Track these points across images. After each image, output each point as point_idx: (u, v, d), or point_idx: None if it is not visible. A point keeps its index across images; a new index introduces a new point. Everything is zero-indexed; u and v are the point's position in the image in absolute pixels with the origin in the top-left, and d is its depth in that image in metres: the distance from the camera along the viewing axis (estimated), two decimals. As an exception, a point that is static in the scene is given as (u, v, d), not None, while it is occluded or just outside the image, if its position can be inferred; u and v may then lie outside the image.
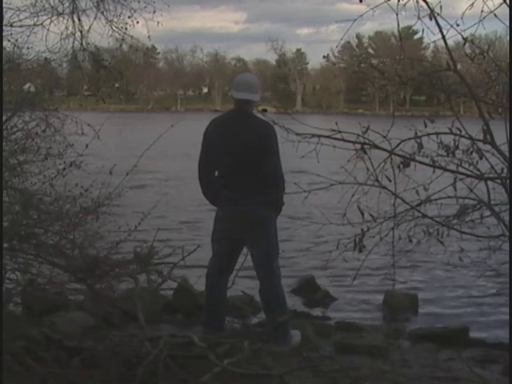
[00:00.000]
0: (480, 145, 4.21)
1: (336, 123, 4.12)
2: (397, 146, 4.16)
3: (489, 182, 4.27)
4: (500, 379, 4.18)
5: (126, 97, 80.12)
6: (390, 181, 4.14)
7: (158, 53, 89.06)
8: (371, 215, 4.23)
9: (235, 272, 4.96)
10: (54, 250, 4.57)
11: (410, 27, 4.67)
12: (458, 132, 4.21)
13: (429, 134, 4.20)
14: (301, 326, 4.89)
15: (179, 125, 5.49)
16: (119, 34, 8.21)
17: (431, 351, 4.85)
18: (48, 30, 7.55)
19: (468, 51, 4.27)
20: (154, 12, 8.11)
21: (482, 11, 4.03)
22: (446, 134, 4.21)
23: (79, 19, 7.87)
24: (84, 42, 8.02)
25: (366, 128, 4.14)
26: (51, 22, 7.57)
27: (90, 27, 7.94)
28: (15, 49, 6.64)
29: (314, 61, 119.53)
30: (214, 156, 4.63)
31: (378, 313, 6.14)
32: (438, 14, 4.01)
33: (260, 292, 4.76)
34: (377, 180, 4.11)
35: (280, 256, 4.78)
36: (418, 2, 4.00)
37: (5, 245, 4.21)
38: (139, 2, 8.03)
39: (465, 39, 4.16)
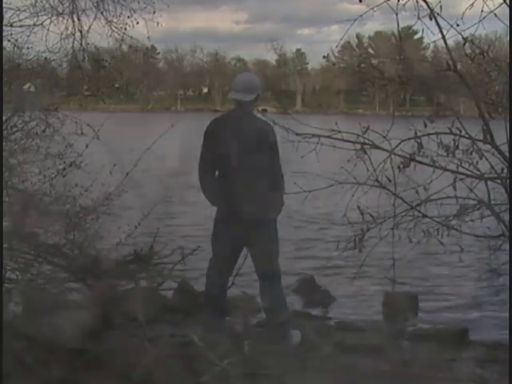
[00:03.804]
0: (480, 145, 4.21)
1: (336, 123, 4.12)
2: (397, 146, 4.17)
3: (489, 182, 4.27)
4: (500, 379, 4.18)
5: (126, 97, 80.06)
6: (389, 181, 4.15)
7: (158, 53, 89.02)
8: (371, 215, 4.23)
9: (235, 272, 4.95)
10: (53, 249, 4.57)
11: (409, 27, 4.67)
12: (458, 132, 4.21)
13: (429, 134, 4.21)
14: (301, 326, 4.89)
15: (179, 125, 5.49)
16: (119, 35, 8.21)
17: (431, 351, 4.85)
18: (48, 30, 7.53)
19: (468, 51, 4.28)
20: (154, 13, 8.10)
21: (482, 11, 4.05)
22: (446, 134, 4.22)
23: (79, 19, 7.85)
24: (84, 42, 8.00)
25: (365, 128, 4.15)
26: (51, 22, 7.55)
27: (89, 27, 7.94)
28: (15, 49, 6.65)
29: (314, 61, 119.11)
30: (214, 156, 4.62)
31: (378, 313, 6.14)
32: (438, 14, 4.03)
33: (260, 292, 4.76)
34: (377, 180, 4.12)
35: (280, 256, 4.77)
36: (417, 1, 4.01)
37: (5, 245, 4.20)
38: (139, 3, 8.02)
39: (465, 39, 4.17)
